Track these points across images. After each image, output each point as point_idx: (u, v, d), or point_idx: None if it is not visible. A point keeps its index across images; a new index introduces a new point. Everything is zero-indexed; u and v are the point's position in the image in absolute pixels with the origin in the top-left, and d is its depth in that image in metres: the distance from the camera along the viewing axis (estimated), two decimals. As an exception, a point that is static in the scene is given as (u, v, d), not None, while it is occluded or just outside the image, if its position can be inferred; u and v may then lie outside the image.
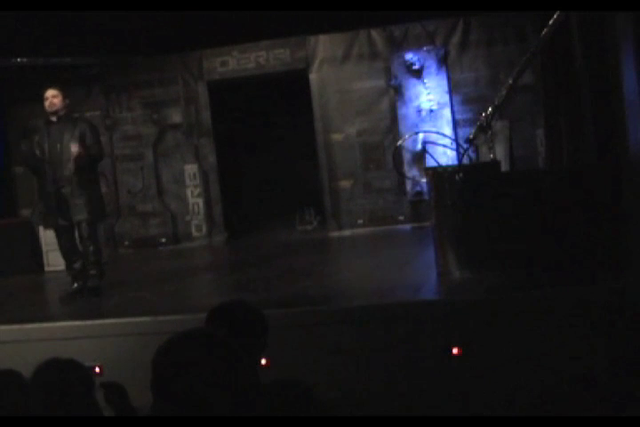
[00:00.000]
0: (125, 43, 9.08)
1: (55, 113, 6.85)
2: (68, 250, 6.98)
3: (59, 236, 7.00)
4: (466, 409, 4.62)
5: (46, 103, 6.86)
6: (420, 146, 10.56)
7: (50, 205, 6.88)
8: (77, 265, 6.93)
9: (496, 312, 5.02)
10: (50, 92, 6.86)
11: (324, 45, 11.34)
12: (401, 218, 11.11)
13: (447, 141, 9.23)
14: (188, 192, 11.73)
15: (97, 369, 5.04)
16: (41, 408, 2.85)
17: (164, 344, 2.18)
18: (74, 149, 6.64)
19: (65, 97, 6.90)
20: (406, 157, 10.82)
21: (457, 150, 8.03)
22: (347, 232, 11.07)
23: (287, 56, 11.45)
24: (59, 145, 6.75)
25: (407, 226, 10.87)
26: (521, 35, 10.41)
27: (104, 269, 7.08)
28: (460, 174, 6.12)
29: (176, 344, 2.18)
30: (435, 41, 11.04)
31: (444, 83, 10.93)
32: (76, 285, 6.91)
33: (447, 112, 10.90)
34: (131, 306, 6.44)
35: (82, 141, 6.72)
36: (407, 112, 11.00)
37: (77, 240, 6.95)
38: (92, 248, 6.87)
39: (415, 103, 10.97)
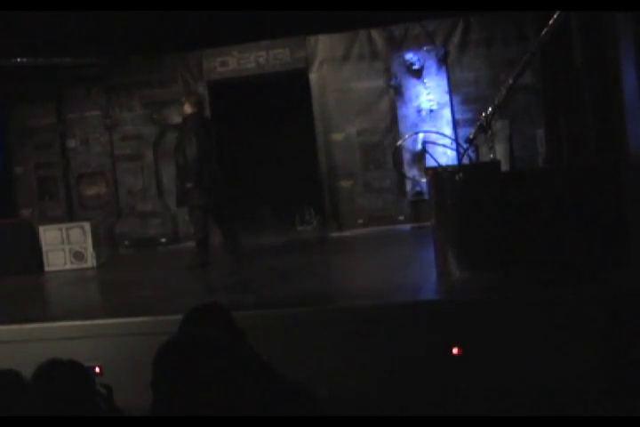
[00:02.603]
0: (125, 43, 9.10)
1: (185, 116, 8.37)
2: (204, 226, 8.25)
3: (197, 214, 8.27)
4: (466, 409, 4.62)
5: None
6: (420, 146, 10.56)
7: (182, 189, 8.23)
8: (209, 241, 8.28)
9: (496, 312, 5.02)
10: (184, 99, 8.66)
11: (324, 45, 11.34)
12: (401, 218, 11.11)
13: (447, 141, 9.23)
14: (188, 192, 11.71)
15: (97, 369, 5.03)
16: (41, 409, 2.85)
17: (164, 344, 2.18)
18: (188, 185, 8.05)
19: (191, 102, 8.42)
20: (406, 157, 10.82)
21: (457, 150, 8.04)
22: (347, 232, 11.04)
23: (287, 56, 11.44)
24: (186, 141, 8.14)
25: (407, 226, 10.86)
26: (521, 35, 10.41)
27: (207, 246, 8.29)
28: (460, 174, 6.12)
29: (176, 344, 2.18)
30: (435, 41, 11.03)
31: (444, 83, 10.93)
32: (202, 257, 8.21)
33: (447, 112, 10.90)
34: (131, 306, 6.44)
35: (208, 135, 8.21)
36: (407, 112, 11.00)
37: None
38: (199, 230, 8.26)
39: (415, 103, 10.97)
